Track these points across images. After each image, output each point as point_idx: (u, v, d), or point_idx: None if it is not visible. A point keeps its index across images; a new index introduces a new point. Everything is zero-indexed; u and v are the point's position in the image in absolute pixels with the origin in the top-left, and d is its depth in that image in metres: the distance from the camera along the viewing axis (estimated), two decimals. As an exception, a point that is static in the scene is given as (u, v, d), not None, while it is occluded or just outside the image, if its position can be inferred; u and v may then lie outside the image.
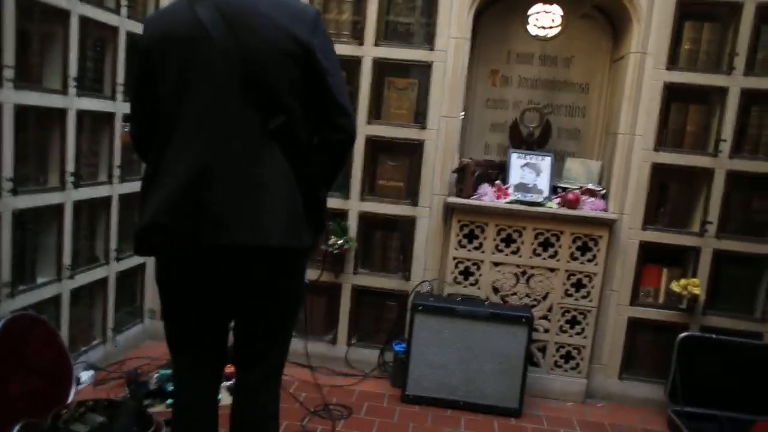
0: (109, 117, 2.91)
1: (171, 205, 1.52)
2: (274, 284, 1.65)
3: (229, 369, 1.76)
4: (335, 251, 3.16)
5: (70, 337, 2.76)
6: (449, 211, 3.15)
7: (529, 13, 3.40)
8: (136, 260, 3.24)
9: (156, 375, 2.80)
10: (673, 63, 3.02)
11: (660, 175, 3.09)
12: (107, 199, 2.96)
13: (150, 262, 3.32)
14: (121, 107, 2.94)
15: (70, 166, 2.64)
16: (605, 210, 3.10)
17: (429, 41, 3.14)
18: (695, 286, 2.98)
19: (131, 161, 3.11)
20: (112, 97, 2.91)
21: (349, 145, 1.69)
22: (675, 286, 3.03)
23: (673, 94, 3.04)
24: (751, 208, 3.08)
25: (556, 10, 3.38)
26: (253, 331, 1.73)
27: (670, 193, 3.18)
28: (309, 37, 1.54)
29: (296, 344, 1.90)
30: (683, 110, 3.09)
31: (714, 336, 2.98)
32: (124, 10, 2.91)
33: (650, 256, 3.14)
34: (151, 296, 3.40)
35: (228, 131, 1.52)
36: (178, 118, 1.54)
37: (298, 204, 1.58)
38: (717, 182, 3.01)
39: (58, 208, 2.63)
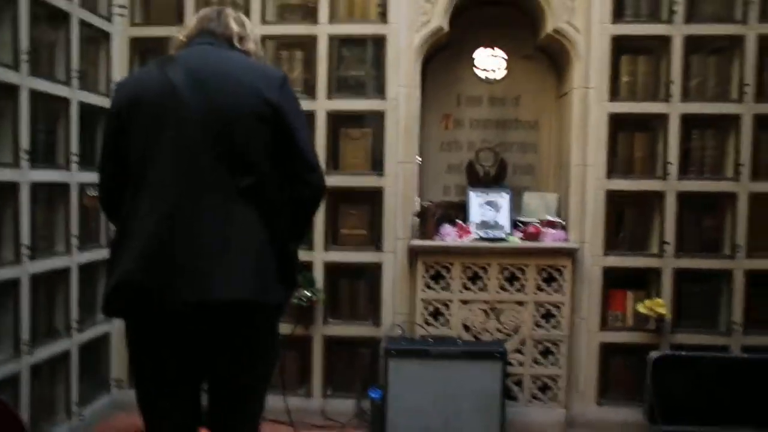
0: (64, 187, 2.87)
1: (140, 264, 1.51)
2: (246, 340, 1.62)
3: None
4: (304, 304, 3.13)
5: (31, 417, 2.63)
6: (414, 254, 3.17)
7: (474, 57, 3.53)
8: (100, 329, 3.15)
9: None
10: (614, 95, 3.15)
11: (615, 201, 3.17)
12: (66, 270, 2.88)
13: (115, 330, 3.23)
14: (76, 177, 2.91)
15: (26, 239, 2.58)
16: (566, 240, 3.16)
17: (380, 91, 3.22)
18: (660, 306, 3.04)
19: (90, 230, 3.05)
20: (67, 168, 2.88)
21: (318, 199, 1.71)
22: (641, 308, 3.08)
23: (618, 123, 3.16)
24: (703, 225, 3.19)
25: (500, 54, 3.52)
26: (227, 389, 1.69)
27: (626, 218, 3.26)
28: (277, 97, 1.58)
29: (271, 400, 1.86)
30: (630, 138, 3.21)
31: (684, 353, 3.03)
32: (75, 82, 2.92)
33: (614, 280, 3.19)
34: (117, 365, 3.29)
35: (197, 190, 1.53)
36: (147, 180, 1.54)
37: (269, 260, 1.58)
38: (669, 203, 3.11)
39: (14, 283, 2.55)
